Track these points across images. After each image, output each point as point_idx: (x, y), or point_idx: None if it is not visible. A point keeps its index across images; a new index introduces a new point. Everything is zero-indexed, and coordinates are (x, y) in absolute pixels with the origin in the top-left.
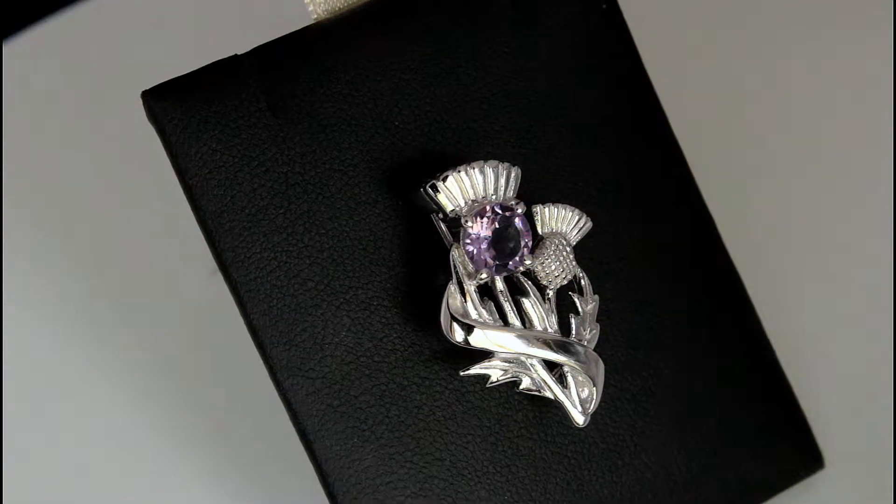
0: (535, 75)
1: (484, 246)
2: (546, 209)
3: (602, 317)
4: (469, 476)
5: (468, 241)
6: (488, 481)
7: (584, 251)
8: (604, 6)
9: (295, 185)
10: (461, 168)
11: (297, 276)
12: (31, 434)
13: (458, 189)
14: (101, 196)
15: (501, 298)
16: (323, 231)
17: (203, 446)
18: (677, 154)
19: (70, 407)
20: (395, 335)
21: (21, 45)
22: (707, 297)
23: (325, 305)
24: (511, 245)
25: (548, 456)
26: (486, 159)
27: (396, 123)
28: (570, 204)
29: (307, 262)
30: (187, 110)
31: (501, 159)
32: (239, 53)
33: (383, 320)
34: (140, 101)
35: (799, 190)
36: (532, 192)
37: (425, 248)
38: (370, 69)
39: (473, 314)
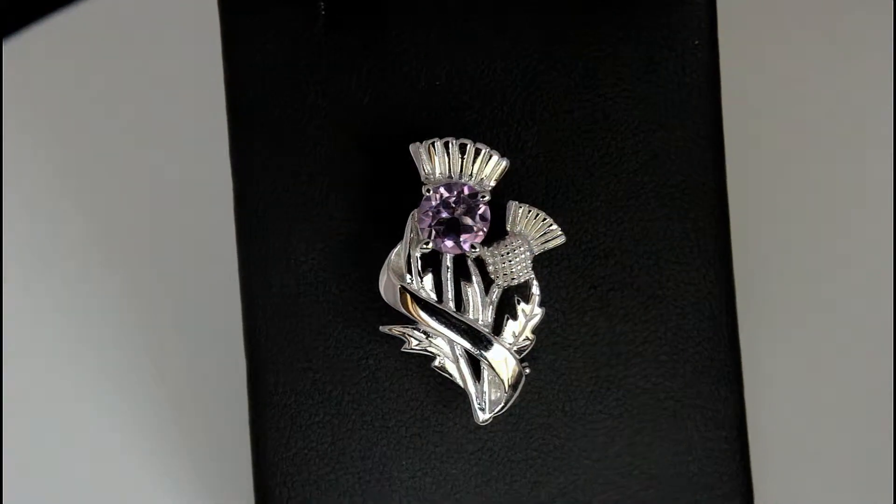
0: (599, 84)
1: (440, 217)
2: (520, 208)
3: (573, 337)
4: (376, 429)
5: (425, 209)
6: (393, 441)
7: (574, 269)
8: (696, 42)
9: (321, 108)
10: (447, 139)
11: (290, 192)
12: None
13: (435, 158)
14: (101, 195)
15: (444, 276)
16: (330, 160)
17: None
18: (722, 209)
19: (68, 405)
20: (357, 276)
21: (21, 45)
22: (691, 358)
23: (306, 224)
24: (463, 227)
25: (463, 441)
26: (475, 141)
27: (437, 83)
28: (573, 217)
29: (305, 180)
30: (250, 5)
31: (516, 151)
32: None
33: (353, 258)
34: (140, 103)
35: (799, 196)
36: (533, 192)
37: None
38: (439, 30)
39: (409, 280)
